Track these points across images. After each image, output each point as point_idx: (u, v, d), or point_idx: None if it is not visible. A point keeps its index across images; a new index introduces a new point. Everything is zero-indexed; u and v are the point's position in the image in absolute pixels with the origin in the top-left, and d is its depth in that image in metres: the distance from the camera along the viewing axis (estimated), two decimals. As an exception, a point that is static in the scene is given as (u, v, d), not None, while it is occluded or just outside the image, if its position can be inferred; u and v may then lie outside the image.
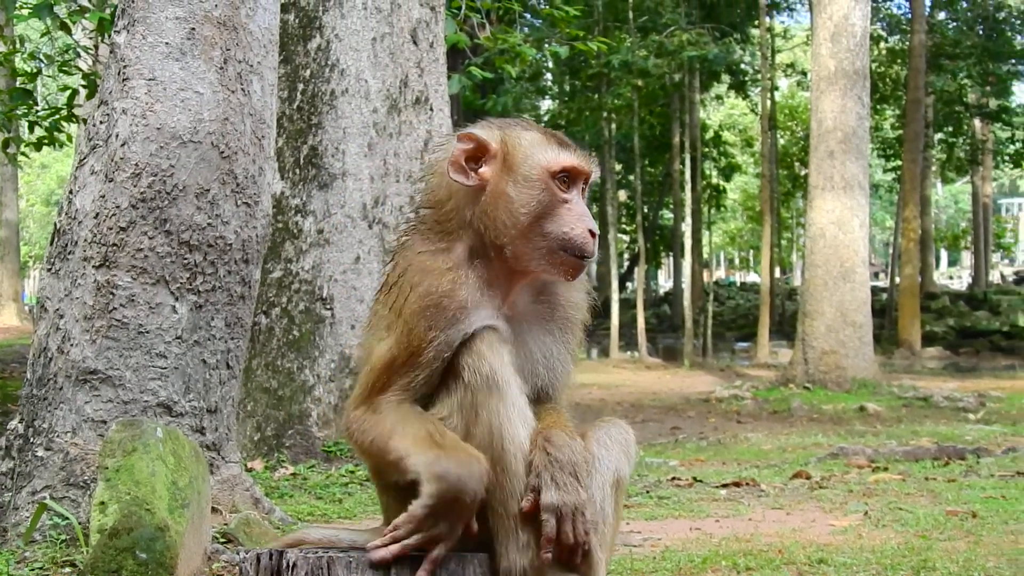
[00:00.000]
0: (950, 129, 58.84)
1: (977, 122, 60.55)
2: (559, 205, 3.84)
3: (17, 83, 16.81)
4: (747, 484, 11.56)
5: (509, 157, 3.88)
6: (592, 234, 3.84)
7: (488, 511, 3.70)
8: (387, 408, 3.82)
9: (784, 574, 6.92)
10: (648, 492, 11.11)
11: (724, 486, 11.49)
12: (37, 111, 16.67)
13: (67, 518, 6.80)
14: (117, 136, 7.16)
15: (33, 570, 6.39)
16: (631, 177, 54.66)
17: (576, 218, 3.84)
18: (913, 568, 6.98)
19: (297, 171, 12.03)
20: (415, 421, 3.76)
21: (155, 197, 7.10)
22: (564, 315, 4.05)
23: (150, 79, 7.18)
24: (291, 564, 3.54)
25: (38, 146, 17.60)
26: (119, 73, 7.25)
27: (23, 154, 19.71)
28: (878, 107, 54.68)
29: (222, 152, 7.30)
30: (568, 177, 3.88)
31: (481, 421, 3.67)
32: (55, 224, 7.49)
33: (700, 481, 11.92)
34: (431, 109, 12.52)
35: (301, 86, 12.15)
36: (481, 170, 3.88)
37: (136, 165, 7.10)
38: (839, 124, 27.40)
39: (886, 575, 6.80)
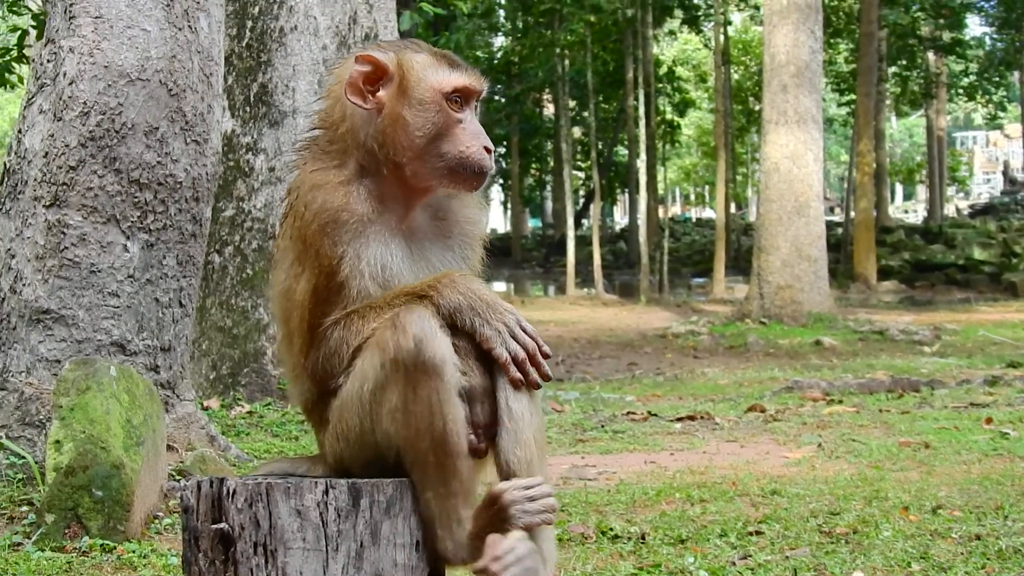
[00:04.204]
0: (904, 62, 58.94)
1: (931, 55, 60.66)
2: (454, 125, 3.90)
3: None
4: (702, 418, 11.62)
5: (404, 80, 3.91)
6: (487, 150, 3.92)
7: (427, 492, 3.69)
8: (338, 327, 3.82)
9: (737, 505, 6.97)
10: (603, 426, 11.15)
11: (679, 420, 11.55)
12: (-13, 53, 16.50)
13: (23, 457, 6.81)
14: (65, 75, 7.12)
15: (-10, 510, 6.40)
16: (585, 114, 54.63)
17: (471, 136, 3.91)
18: (866, 498, 7.05)
19: (247, 109, 11.98)
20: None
21: (104, 136, 7.07)
22: (462, 231, 4.09)
23: (96, 17, 7.13)
24: (231, 491, 3.52)
25: (-11, 88, 17.42)
26: (65, 11, 7.20)
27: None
28: (831, 41, 54.68)
29: (170, 90, 7.26)
30: (461, 97, 3.93)
31: (420, 399, 3.66)
32: (5, 164, 7.46)
33: (655, 415, 11.98)
34: (381, 46, 12.43)
35: (250, 23, 12.07)
36: (379, 93, 3.90)
37: (84, 104, 7.07)
38: (792, 58, 27.38)
39: (839, 505, 6.85)
